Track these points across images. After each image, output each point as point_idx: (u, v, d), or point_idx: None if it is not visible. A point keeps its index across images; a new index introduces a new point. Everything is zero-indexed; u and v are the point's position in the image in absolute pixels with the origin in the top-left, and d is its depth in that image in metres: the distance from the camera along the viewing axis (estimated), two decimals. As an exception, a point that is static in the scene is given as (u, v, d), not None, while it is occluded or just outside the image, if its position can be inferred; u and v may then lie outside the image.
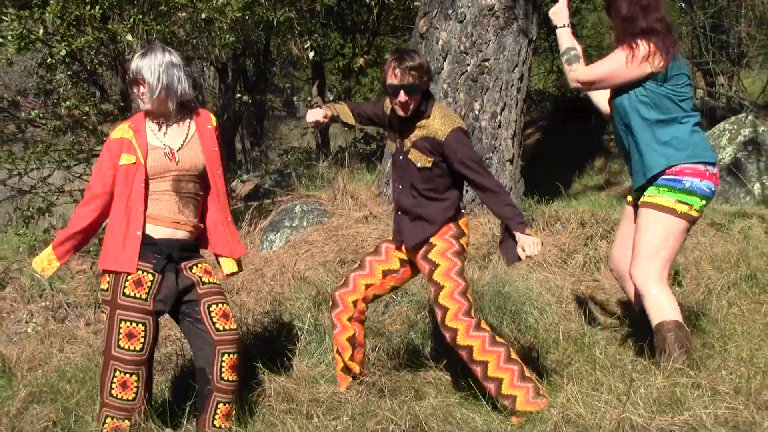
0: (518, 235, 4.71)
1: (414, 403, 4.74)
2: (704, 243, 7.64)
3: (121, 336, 4.50)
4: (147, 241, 4.58)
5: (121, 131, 4.67)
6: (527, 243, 4.69)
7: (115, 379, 4.50)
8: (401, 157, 4.92)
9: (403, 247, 5.00)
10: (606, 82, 5.10)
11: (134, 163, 4.59)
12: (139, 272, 4.53)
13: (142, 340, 4.52)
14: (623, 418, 4.11)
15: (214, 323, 4.62)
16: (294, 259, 7.59)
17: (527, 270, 7.22)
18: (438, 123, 4.82)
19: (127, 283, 4.51)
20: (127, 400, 4.51)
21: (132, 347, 4.51)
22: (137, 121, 4.73)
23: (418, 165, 4.86)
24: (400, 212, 5.00)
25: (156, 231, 4.60)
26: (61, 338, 6.56)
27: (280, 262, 7.61)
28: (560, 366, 5.36)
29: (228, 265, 4.89)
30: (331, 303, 5.08)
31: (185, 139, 4.71)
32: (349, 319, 5.04)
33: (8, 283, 7.60)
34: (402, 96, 4.74)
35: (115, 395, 4.50)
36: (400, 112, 4.81)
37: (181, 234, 4.67)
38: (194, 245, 4.79)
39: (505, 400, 4.72)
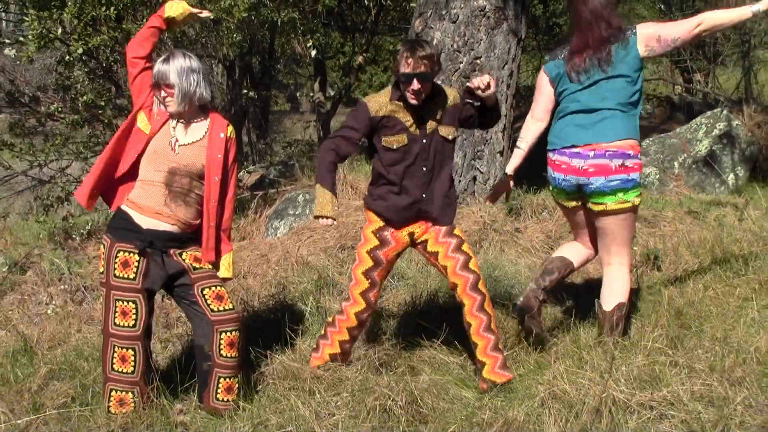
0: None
1: (410, 380, 4.74)
2: (682, 230, 7.65)
3: (116, 314, 4.54)
4: (135, 229, 4.59)
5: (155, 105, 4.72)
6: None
7: (115, 355, 4.54)
8: (425, 141, 4.86)
9: (420, 230, 4.98)
10: None
11: (141, 131, 4.66)
12: (125, 253, 4.56)
13: (134, 316, 4.56)
14: (606, 394, 4.12)
15: (209, 305, 4.62)
16: (297, 245, 7.59)
17: (516, 255, 7.23)
18: (447, 91, 4.98)
19: (116, 265, 4.54)
20: (128, 373, 4.55)
21: (126, 324, 4.54)
22: (163, 112, 4.72)
23: (450, 138, 4.94)
24: (425, 196, 4.91)
25: (142, 220, 4.60)
26: (79, 319, 6.56)
27: (284, 248, 7.61)
28: (547, 345, 5.37)
29: (221, 270, 4.85)
30: (356, 324, 5.07)
31: (194, 138, 4.70)
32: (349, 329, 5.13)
33: (29, 268, 7.60)
34: (415, 84, 4.72)
35: (117, 369, 4.54)
36: (413, 101, 4.77)
37: (165, 226, 4.63)
38: (184, 237, 4.73)
39: (499, 353, 4.82)
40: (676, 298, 5.85)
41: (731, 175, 10.29)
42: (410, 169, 4.87)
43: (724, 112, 11.00)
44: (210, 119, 4.78)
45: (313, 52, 12.98)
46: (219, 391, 4.63)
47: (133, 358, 4.56)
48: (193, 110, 4.71)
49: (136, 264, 4.57)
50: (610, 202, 5.01)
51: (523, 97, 16.53)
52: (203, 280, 4.68)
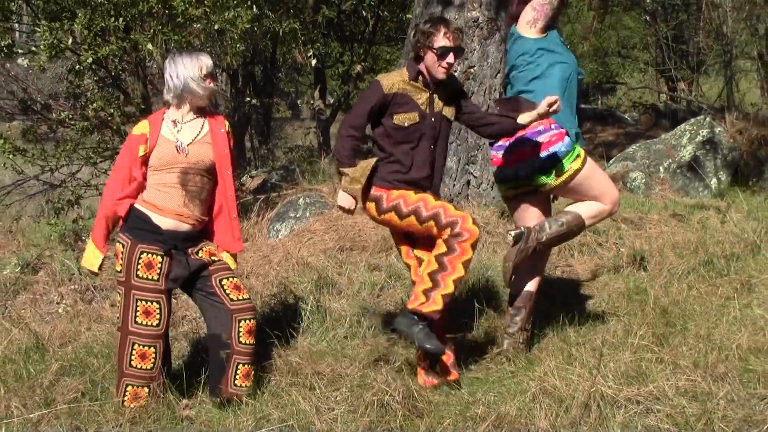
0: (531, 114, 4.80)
1: (406, 376, 4.75)
2: (667, 232, 7.66)
3: (138, 313, 4.55)
4: (154, 230, 4.60)
5: (141, 128, 4.71)
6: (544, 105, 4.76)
7: (134, 352, 4.55)
8: (433, 119, 4.81)
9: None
10: None
11: (144, 154, 4.64)
12: (149, 255, 4.56)
13: (158, 316, 4.58)
14: (594, 390, 4.12)
15: (228, 294, 4.64)
16: (298, 247, 7.59)
17: (508, 256, 7.22)
18: (452, 78, 4.96)
19: (139, 266, 4.55)
20: (147, 369, 4.57)
21: (150, 323, 4.57)
22: (155, 118, 4.76)
23: (451, 118, 4.92)
24: (429, 173, 4.85)
25: (163, 222, 4.60)
26: (89, 318, 6.55)
27: (286, 249, 7.61)
28: (538, 342, 5.37)
29: (230, 261, 4.86)
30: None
31: (197, 135, 4.70)
32: None
33: (41, 268, 7.59)
34: (451, 57, 4.70)
35: (135, 365, 4.55)
36: (442, 75, 4.74)
37: (185, 227, 4.65)
38: (198, 236, 4.76)
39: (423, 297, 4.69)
40: (662, 297, 5.86)
41: (714, 180, 10.30)
42: (418, 148, 4.81)
43: (707, 119, 11.03)
44: (207, 116, 4.79)
45: (313, 62, 12.99)
46: (237, 377, 4.64)
47: (153, 355, 4.59)
48: (194, 108, 4.74)
49: (159, 265, 4.58)
50: (549, 180, 4.99)
51: (515, 105, 16.54)
52: (220, 271, 4.70)
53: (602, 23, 19.92)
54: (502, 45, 8.56)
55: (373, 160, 4.74)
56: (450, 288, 4.62)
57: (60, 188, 9.22)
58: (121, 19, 7.99)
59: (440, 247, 4.63)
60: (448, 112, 4.89)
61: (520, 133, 4.96)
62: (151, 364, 4.58)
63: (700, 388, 4.19)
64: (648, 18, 20.89)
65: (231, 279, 4.71)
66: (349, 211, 4.82)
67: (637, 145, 11.25)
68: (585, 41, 19.14)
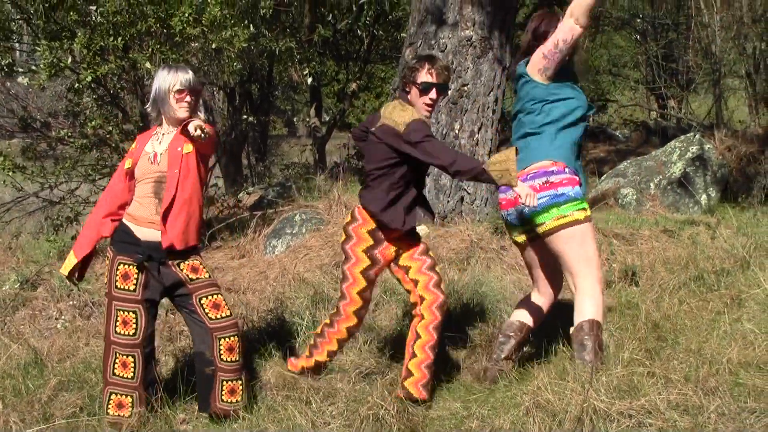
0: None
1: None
2: (658, 248, 7.66)
3: (117, 323, 4.60)
4: (134, 241, 4.62)
5: (132, 145, 4.85)
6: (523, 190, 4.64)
7: (116, 361, 4.58)
8: None
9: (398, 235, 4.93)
10: None
11: (129, 167, 4.71)
12: (125, 266, 4.62)
13: (134, 325, 4.61)
14: (587, 404, 4.12)
15: (207, 314, 4.62)
16: (294, 263, 7.58)
17: (501, 272, 7.23)
18: None
19: (117, 277, 4.60)
20: (128, 378, 4.59)
21: (127, 332, 4.59)
22: (143, 136, 4.84)
23: None
24: (417, 196, 4.92)
25: (140, 232, 4.63)
26: (87, 333, 6.54)
27: (282, 265, 7.60)
28: (531, 357, 5.37)
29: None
30: (346, 336, 5.04)
31: (167, 145, 4.70)
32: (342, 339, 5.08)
33: (40, 284, 7.58)
34: (433, 93, 4.70)
35: (117, 374, 4.58)
36: (425, 112, 4.74)
37: (159, 236, 4.63)
38: (177, 250, 4.70)
39: (404, 371, 4.77)
40: (653, 312, 5.86)
41: (704, 196, 10.32)
42: (409, 188, 4.86)
43: (697, 136, 11.06)
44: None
45: (309, 80, 13.02)
46: (223, 393, 4.63)
47: (133, 364, 4.59)
48: (172, 122, 4.74)
49: (135, 276, 4.61)
50: (548, 221, 4.79)
51: (508, 123, 16.61)
52: (201, 289, 4.67)
53: (593, 42, 20.00)
54: (495, 63, 8.60)
55: (512, 150, 4.52)
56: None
57: (59, 205, 9.22)
58: (119, 39, 8.01)
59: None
60: None
61: (531, 172, 4.82)
62: (132, 373, 4.59)
63: (691, 401, 4.18)
64: (638, 37, 20.98)
65: (210, 297, 4.66)
66: (532, 199, 4.54)
67: (628, 161, 11.27)
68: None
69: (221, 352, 4.61)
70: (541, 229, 4.87)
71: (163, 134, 4.74)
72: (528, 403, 4.33)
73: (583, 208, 4.80)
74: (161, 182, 4.63)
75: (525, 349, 5.36)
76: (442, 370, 5.22)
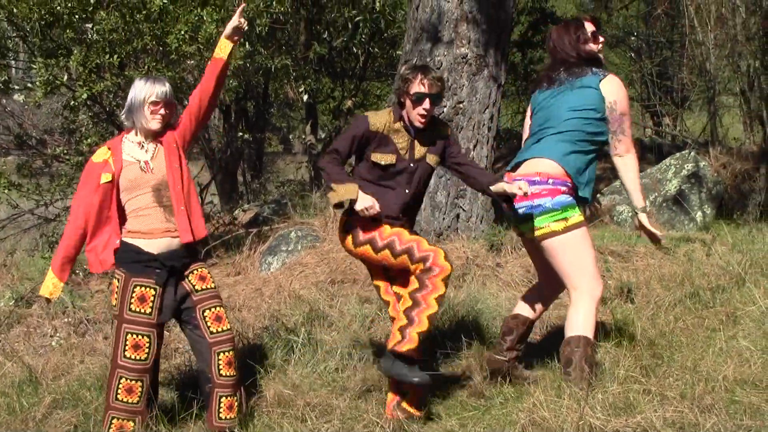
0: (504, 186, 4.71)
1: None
2: (653, 264, 7.66)
3: (127, 347, 4.51)
4: (148, 258, 4.56)
5: (101, 154, 4.70)
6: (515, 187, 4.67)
7: (120, 385, 4.52)
8: (412, 165, 4.81)
9: None
10: None
11: (111, 181, 4.61)
12: (143, 288, 4.53)
13: (147, 350, 4.54)
14: (583, 421, 4.11)
15: (208, 327, 4.61)
16: (290, 280, 7.58)
17: (497, 289, 7.23)
18: (440, 125, 4.97)
19: (132, 299, 4.51)
20: (133, 403, 4.53)
21: (138, 357, 4.52)
22: (114, 143, 4.76)
23: (434, 165, 4.90)
24: (401, 215, 4.84)
25: (152, 245, 4.57)
26: (82, 351, 6.52)
27: (277, 282, 7.60)
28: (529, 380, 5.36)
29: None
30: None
31: (155, 153, 4.69)
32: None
33: (35, 302, 7.56)
34: (426, 103, 4.69)
35: (120, 399, 4.51)
36: (420, 123, 4.73)
37: (177, 241, 4.63)
38: (192, 249, 4.74)
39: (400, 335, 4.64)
40: (649, 329, 5.86)
41: (699, 213, 10.34)
42: (393, 189, 4.80)
43: (692, 153, 11.08)
44: (160, 139, 4.76)
45: (305, 97, 13.05)
46: (221, 410, 4.62)
47: (140, 389, 4.54)
48: (146, 132, 4.74)
49: (152, 299, 4.54)
50: (526, 230, 4.83)
51: (504, 140, 16.63)
52: (204, 301, 4.67)
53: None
54: (491, 81, 8.62)
55: (354, 186, 4.58)
56: (425, 325, 4.55)
57: (54, 222, 9.22)
58: (115, 56, 8.03)
59: (413, 284, 4.60)
60: (432, 159, 4.88)
61: (517, 177, 4.84)
62: (138, 398, 4.54)
63: (687, 419, 4.18)
64: (633, 55, 21.07)
65: (213, 309, 4.67)
66: (373, 209, 4.55)
67: (624, 179, 11.27)
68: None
69: (220, 366, 4.60)
70: (527, 235, 4.92)
71: (140, 143, 4.71)
72: (524, 420, 4.32)
73: (563, 218, 4.75)
74: (160, 190, 4.62)
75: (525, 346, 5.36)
76: (438, 387, 5.21)
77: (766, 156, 12.49)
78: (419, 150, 4.83)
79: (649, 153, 14.90)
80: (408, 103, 4.76)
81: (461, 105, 8.53)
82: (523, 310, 5.28)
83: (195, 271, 4.70)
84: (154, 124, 4.65)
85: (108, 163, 4.66)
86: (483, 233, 8.44)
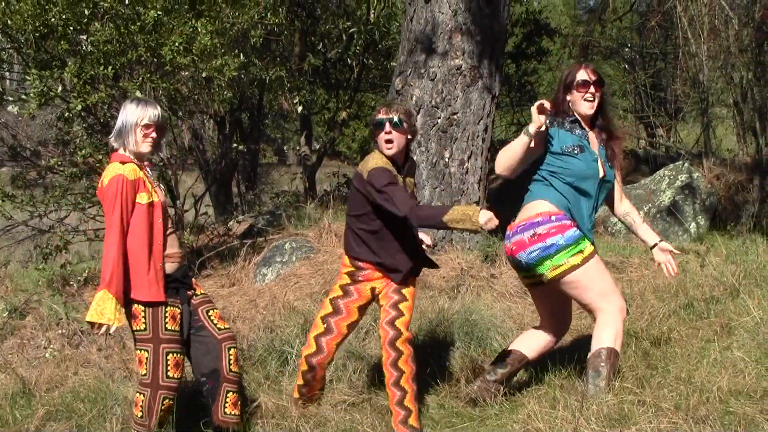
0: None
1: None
2: (648, 275, 7.68)
3: (169, 367, 4.48)
4: (171, 279, 4.57)
5: (133, 172, 4.51)
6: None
7: (163, 406, 4.48)
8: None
9: (378, 284, 4.99)
10: None
11: (152, 202, 4.52)
12: (173, 308, 4.52)
13: (182, 367, 4.57)
14: (577, 432, 4.11)
15: (215, 324, 4.65)
16: (284, 291, 7.57)
17: (492, 300, 7.23)
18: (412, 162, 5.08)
19: (167, 319, 4.48)
20: (167, 422, 4.54)
21: (178, 376, 4.53)
22: (136, 163, 4.61)
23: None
24: (415, 239, 5.00)
25: (171, 268, 4.59)
26: (76, 362, 6.51)
27: (272, 293, 7.59)
28: (522, 386, 5.36)
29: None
30: (307, 366, 5.01)
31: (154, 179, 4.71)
32: (323, 377, 5.13)
33: (29, 313, 7.54)
34: (387, 127, 4.77)
35: (162, 419, 4.49)
36: (387, 149, 4.79)
37: (184, 266, 4.67)
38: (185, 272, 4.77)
39: (402, 410, 4.74)
40: (643, 339, 5.86)
41: (693, 224, 10.36)
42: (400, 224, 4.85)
43: (686, 164, 11.11)
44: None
45: (300, 108, 13.02)
46: (227, 405, 4.63)
47: (172, 408, 4.55)
48: (137, 155, 4.66)
49: (180, 317, 4.55)
50: (546, 272, 4.82)
51: (498, 150, 16.68)
52: (204, 303, 4.73)
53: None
54: (485, 92, 8.64)
55: (472, 208, 4.48)
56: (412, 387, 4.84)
57: (48, 234, 9.19)
58: (110, 68, 8.02)
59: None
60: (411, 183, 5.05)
61: (519, 224, 4.89)
62: (169, 417, 4.57)
63: (682, 430, 4.18)
64: (627, 66, 21.11)
65: (215, 310, 4.75)
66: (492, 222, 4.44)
67: (618, 190, 11.30)
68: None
69: (230, 362, 4.63)
70: (543, 279, 4.91)
71: (144, 168, 4.70)
72: (519, 431, 4.32)
73: (579, 251, 4.80)
74: (167, 214, 4.65)
75: (515, 378, 5.35)
76: (432, 399, 5.20)
77: (759, 167, 12.52)
78: (409, 182, 5.00)
79: (643, 164, 14.92)
80: (375, 133, 4.87)
81: (455, 116, 8.54)
82: (523, 347, 5.23)
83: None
84: (145, 147, 4.59)
85: (145, 183, 4.56)
86: (477, 244, 8.44)
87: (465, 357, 5.77)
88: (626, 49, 20.73)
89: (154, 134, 4.60)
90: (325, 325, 4.97)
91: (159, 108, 4.67)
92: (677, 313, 6.55)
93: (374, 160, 4.81)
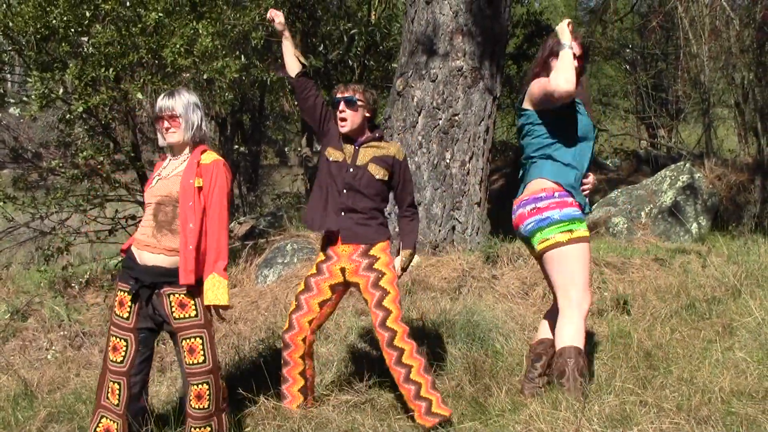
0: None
1: (393, 420, 4.72)
2: (649, 276, 7.67)
3: (109, 349, 4.54)
4: (131, 265, 4.56)
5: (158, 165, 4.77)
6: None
7: (109, 386, 4.50)
8: (351, 170, 5.01)
9: (341, 261, 5.01)
10: None
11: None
12: (122, 293, 4.55)
13: (123, 353, 4.53)
14: (579, 433, 4.11)
15: (184, 358, 4.56)
16: (286, 292, 7.57)
17: (493, 301, 7.23)
18: (390, 145, 5.17)
19: (116, 304, 4.55)
20: (115, 404, 4.50)
21: (115, 359, 4.52)
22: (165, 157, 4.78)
23: (377, 177, 5.01)
24: (344, 213, 5.00)
25: (138, 255, 4.55)
26: (78, 364, 6.51)
27: (273, 294, 7.59)
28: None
29: (208, 297, 4.57)
30: (282, 344, 5.04)
31: (174, 169, 4.67)
32: (302, 357, 5.05)
33: (31, 315, 7.55)
34: (341, 105, 4.99)
35: (109, 399, 4.49)
36: (342, 126, 5.02)
37: (155, 259, 4.53)
38: (172, 271, 4.57)
39: (422, 402, 4.74)
40: (645, 340, 5.86)
41: (694, 225, 10.35)
42: (333, 188, 5.02)
43: (687, 165, 11.11)
44: (196, 152, 4.68)
45: (301, 110, 13.03)
46: None
47: (118, 391, 4.52)
48: (186, 145, 4.68)
49: (129, 304, 4.54)
50: (536, 244, 4.90)
51: (499, 152, 16.66)
52: (183, 330, 4.53)
53: (583, 72, 20.08)
54: (486, 93, 8.64)
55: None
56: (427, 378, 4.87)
57: (50, 235, 9.20)
58: (111, 69, 8.03)
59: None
60: (375, 170, 5.03)
61: (523, 198, 4.97)
62: (117, 400, 4.52)
63: (683, 430, 4.18)
64: (628, 67, 21.12)
65: (188, 340, 4.53)
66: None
67: (619, 190, 11.31)
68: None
69: (191, 399, 4.53)
70: (534, 254, 5.01)
71: (170, 160, 4.73)
72: (520, 432, 4.32)
73: (569, 230, 4.83)
74: (160, 204, 4.60)
75: (516, 379, 5.35)
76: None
77: (760, 167, 12.52)
78: (362, 159, 5.05)
79: (644, 165, 14.93)
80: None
81: (456, 117, 8.54)
82: (548, 333, 5.24)
83: (176, 295, 4.58)
84: (162, 138, 4.67)
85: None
86: (479, 245, 8.44)
87: (467, 358, 5.76)
88: (627, 50, 20.74)
89: (166, 124, 4.61)
90: (297, 303, 5.04)
91: (175, 97, 4.62)
92: (679, 313, 6.55)
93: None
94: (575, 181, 4.97)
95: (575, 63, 4.92)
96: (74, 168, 8.71)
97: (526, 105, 5.02)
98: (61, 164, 8.80)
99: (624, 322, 6.63)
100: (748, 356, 5.24)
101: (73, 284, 8.35)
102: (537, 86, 4.93)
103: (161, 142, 4.71)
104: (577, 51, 4.97)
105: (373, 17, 13.75)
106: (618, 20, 18.01)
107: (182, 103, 4.62)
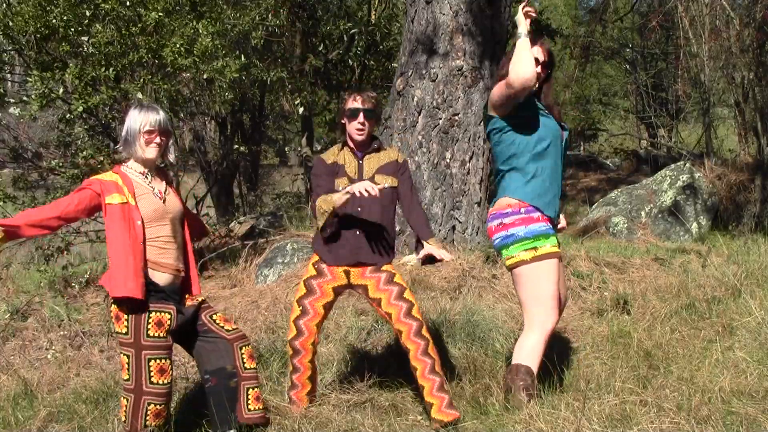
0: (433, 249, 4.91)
1: (393, 420, 4.72)
2: (649, 276, 7.68)
3: (152, 373, 4.45)
4: (156, 288, 4.51)
5: (108, 175, 4.61)
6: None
7: (148, 411, 4.45)
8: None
9: (352, 269, 4.97)
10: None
11: (126, 203, 4.49)
12: (159, 314, 4.48)
13: (170, 373, 4.52)
14: (579, 433, 4.10)
15: (222, 327, 4.64)
16: (286, 292, 7.57)
17: (493, 300, 7.23)
18: (391, 151, 5.12)
19: (149, 325, 4.45)
20: (159, 426, 4.49)
21: (164, 381, 4.48)
22: (119, 171, 4.64)
23: (386, 185, 4.94)
24: (358, 232, 4.94)
25: (161, 278, 4.53)
26: (78, 364, 6.51)
27: (273, 294, 7.59)
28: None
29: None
30: (292, 352, 5.02)
31: (162, 186, 4.69)
32: (310, 360, 5.04)
33: (30, 315, 7.55)
34: (361, 117, 4.91)
35: (149, 424, 4.45)
36: (359, 135, 4.94)
37: (177, 282, 4.64)
38: (183, 286, 4.76)
39: (445, 393, 4.76)
40: (645, 340, 5.86)
41: (694, 224, 10.35)
42: (353, 204, 4.89)
43: (687, 165, 11.12)
44: (159, 172, 4.77)
45: (301, 109, 13.04)
46: (250, 401, 4.63)
47: (165, 412, 4.52)
48: (143, 163, 4.67)
49: (168, 323, 4.51)
50: (503, 260, 4.88)
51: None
52: (206, 309, 4.72)
53: (584, 71, 20.12)
54: (486, 93, 8.64)
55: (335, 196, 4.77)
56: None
57: (50, 235, 9.20)
58: (111, 69, 8.04)
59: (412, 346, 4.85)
60: (382, 179, 4.97)
61: (491, 212, 4.94)
62: (163, 421, 4.52)
63: (683, 430, 4.18)
64: (628, 67, 21.15)
65: (219, 314, 4.75)
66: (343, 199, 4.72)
67: (619, 190, 11.32)
68: (567, 89, 19.33)
69: (244, 360, 4.64)
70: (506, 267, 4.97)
71: (143, 173, 4.68)
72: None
73: (533, 248, 4.76)
74: (175, 223, 4.63)
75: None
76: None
77: (760, 167, 12.52)
78: (368, 171, 4.99)
79: (644, 164, 14.94)
80: (346, 121, 5.01)
81: (457, 117, 8.55)
82: None
83: (186, 295, 4.73)
84: (150, 152, 4.62)
85: (118, 184, 4.56)
86: (479, 245, 8.44)
87: (467, 357, 5.76)
88: (627, 50, 20.75)
89: (158, 139, 4.60)
90: (301, 308, 4.99)
91: (162, 112, 4.66)
92: (679, 313, 6.55)
93: (327, 151, 5.17)
94: (543, 190, 4.87)
95: (539, 70, 4.86)
96: (74, 168, 8.70)
97: (490, 111, 4.95)
98: (61, 164, 8.80)
99: (624, 321, 6.63)
100: (748, 356, 5.24)
101: (73, 284, 8.35)
102: (496, 88, 4.83)
103: (148, 154, 4.64)
104: (541, 57, 4.89)
105: (373, 17, 13.76)
106: (618, 20, 18.02)
107: (167, 120, 4.69)
